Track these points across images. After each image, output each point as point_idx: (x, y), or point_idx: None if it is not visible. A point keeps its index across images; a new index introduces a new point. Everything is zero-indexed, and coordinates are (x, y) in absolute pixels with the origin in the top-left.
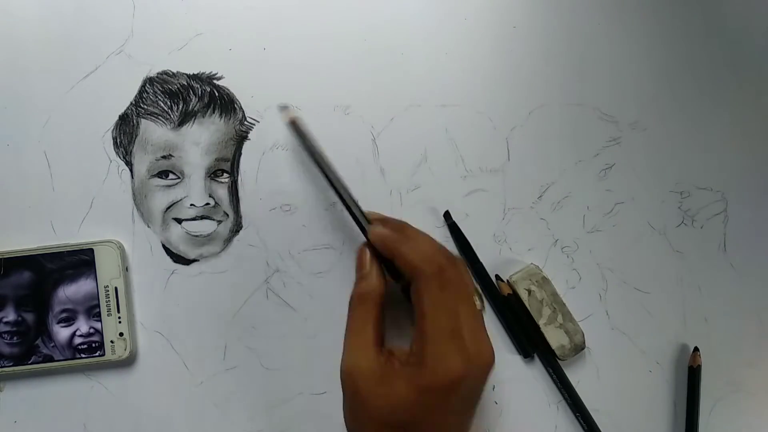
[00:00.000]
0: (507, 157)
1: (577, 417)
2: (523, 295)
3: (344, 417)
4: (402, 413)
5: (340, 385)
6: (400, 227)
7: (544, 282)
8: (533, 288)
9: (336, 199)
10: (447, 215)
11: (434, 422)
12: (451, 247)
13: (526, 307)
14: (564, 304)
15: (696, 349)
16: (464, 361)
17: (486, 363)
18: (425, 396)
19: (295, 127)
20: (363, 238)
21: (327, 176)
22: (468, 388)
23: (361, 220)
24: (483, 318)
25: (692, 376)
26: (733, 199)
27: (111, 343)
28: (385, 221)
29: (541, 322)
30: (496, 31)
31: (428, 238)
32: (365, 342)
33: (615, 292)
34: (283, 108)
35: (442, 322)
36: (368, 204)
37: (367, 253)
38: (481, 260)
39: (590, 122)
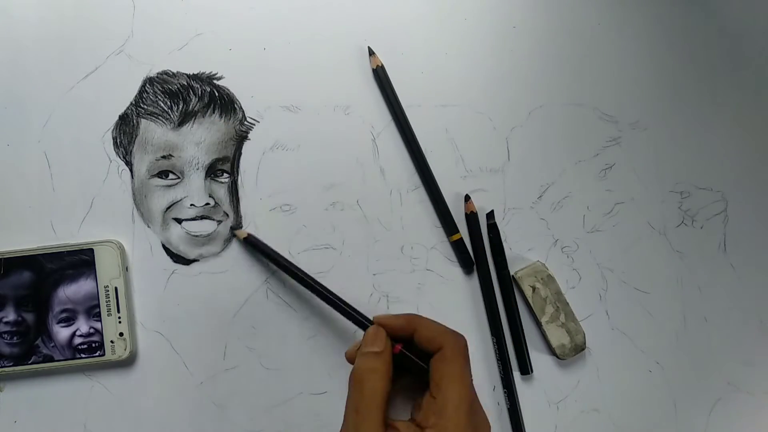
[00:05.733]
0: (507, 157)
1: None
2: (527, 292)
3: None
4: None
5: None
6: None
7: (549, 280)
8: (538, 285)
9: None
10: (490, 215)
11: None
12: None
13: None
14: (567, 304)
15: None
16: None
17: None
18: None
19: (252, 241)
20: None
21: (318, 289)
22: None
23: (363, 319)
24: None
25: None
26: (733, 199)
27: (111, 343)
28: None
29: (543, 320)
30: (496, 31)
31: None
32: (374, 421)
33: (615, 292)
34: (236, 229)
35: (466, 393)
36: (368, 204)
37: (382, 331)
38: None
39: (590, 122)
